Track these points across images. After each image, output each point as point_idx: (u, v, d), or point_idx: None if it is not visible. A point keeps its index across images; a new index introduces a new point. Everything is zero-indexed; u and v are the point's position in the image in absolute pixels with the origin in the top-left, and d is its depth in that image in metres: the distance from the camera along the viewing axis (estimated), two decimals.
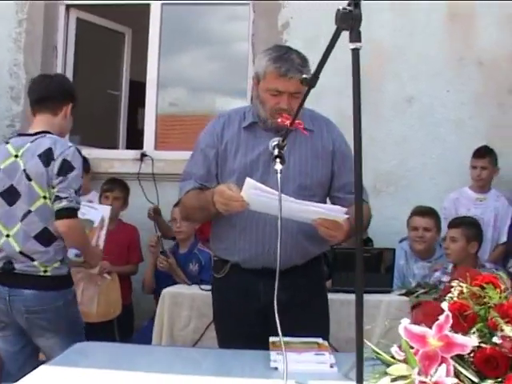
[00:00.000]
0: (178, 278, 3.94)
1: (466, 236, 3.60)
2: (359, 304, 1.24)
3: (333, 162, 2.46)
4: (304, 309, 2.42)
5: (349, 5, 1.26)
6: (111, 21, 5.29)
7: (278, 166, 1.97)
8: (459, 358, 1.64)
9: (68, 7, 4.92)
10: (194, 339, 3.09)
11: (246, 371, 1.82)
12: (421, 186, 4.57)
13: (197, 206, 2.42)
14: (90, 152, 4.64)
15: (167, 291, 3.27)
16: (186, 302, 3.19)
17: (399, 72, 4.61)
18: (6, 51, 4.72)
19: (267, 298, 2.39)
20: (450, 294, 1.81)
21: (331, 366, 1.83)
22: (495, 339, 1.65)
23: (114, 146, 5.37)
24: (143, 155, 4.58)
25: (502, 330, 1.65)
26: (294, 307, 2.38)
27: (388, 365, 1.67)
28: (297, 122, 1.96)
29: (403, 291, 3.42)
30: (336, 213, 2.20)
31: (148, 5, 4.90)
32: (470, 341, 1.64)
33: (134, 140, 5.46)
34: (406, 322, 1.75)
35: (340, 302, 3.11)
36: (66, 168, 2.67)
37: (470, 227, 3.64)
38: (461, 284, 1.80)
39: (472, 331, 1.70)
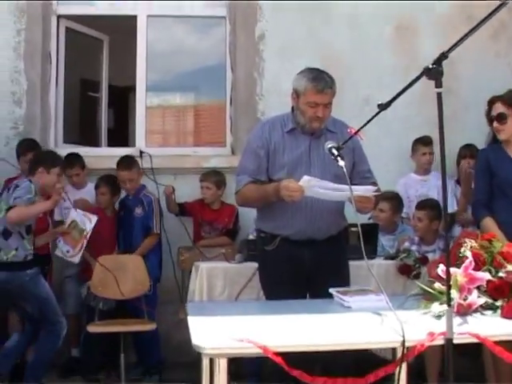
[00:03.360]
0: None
1: (429, 217, 4.46)
2: (447, 250, 2.03)
3: (354, 156, 3.27)
4: (341, 268, 3.22)
5: (434, 64, 2.04)
6: (93, 29, 5.79)
7: (341, 163, 2.74)
8: (477, 289, 2.48)
9: (58, 17, 5.39)
10: None
11: (330, 310, 2.56)
12: (377, 172, 5.43)
13: (257, 197, 3.18)
14: (89, 150, 5.23)
15: (204, 266, 4.01)
16: (220, 274, 3.93)
17: (355, 78, 5.44)
18: (6, 59, 5.14)
19: (310, 263, 3.17)
20: (462, 248, 2.66)
21: (387, 303, 2.61)
22: (501, 274, 2.51)
23: (96, 145, 5.90)
24: (141, 152, 5.17)
25: (505, 267, 2.51)
26: (333, 268, 3.17)
27: (433, 296, 2.48)
28: (359, 133, 2.76)
29: (383, 257, 4.31)
30: (368, 191, 3.00)
31: (134, 16, 5.45)
32: (485, 275, 2.48)
33: (116, 137, 6.03)
34: (441, 267, 2.55)
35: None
36: None
37: (432, 209, 4.50)
38: (471, 240, 2.65)
39: (482, 270, 2.54)
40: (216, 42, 5.64)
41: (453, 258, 2.66)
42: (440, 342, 2.02)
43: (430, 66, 2.04)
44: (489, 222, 3.53)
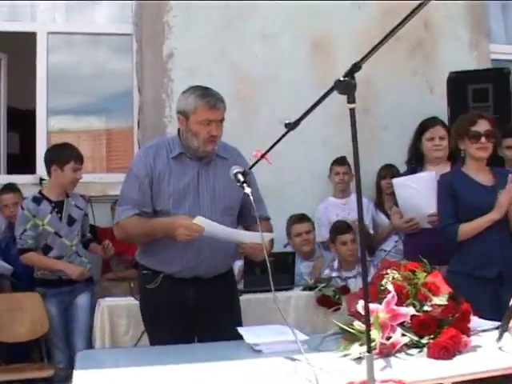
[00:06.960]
0: None
1: (353, 239, 4.31)
2: (365, 285, 1.77)
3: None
4: (228, 308, 2.91)
5: (346, 76, 1.78)
6: None
7: (248, 190, 2.44)
8: (401, 325, 2.24)
9: None
10: (133, 344, 3.44)
11: (238, 356, 2.24)
12: (294, 196, 5.20)
13: (141, 233, 2.83)
14: None
15: (106, 304, 3.59)
16: (124, 312, 3.55)
17: (271, 98, 5.21)
18: None
19: (195, 302, 2.84)
20: (384, 280, 2.42)
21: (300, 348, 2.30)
22: (426, 307, 2.27)
23: None
24: (41, 179, 4.76)
25: (431, 301, 2.28)
26: (221, 307, 2.85)
27: (353, 336, 2.22)
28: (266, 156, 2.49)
29: (301, 287, 4.04)
30: (267, 237, 2.71)
31: (33, 33, 5.05)
32: (409, 310, 2.24)
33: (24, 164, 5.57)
34: (361, 303, 2.30)
35: (256, 300, 3.66)
36: None
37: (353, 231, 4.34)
38: (393, 271, 2.41)
39: (406, 304, 2.30)
40: (125, 61, 5.31)
41: (374, 292, 2.42)
42: None
43: (342, 79, 1.77)
44: (465, 226, 3.36)
